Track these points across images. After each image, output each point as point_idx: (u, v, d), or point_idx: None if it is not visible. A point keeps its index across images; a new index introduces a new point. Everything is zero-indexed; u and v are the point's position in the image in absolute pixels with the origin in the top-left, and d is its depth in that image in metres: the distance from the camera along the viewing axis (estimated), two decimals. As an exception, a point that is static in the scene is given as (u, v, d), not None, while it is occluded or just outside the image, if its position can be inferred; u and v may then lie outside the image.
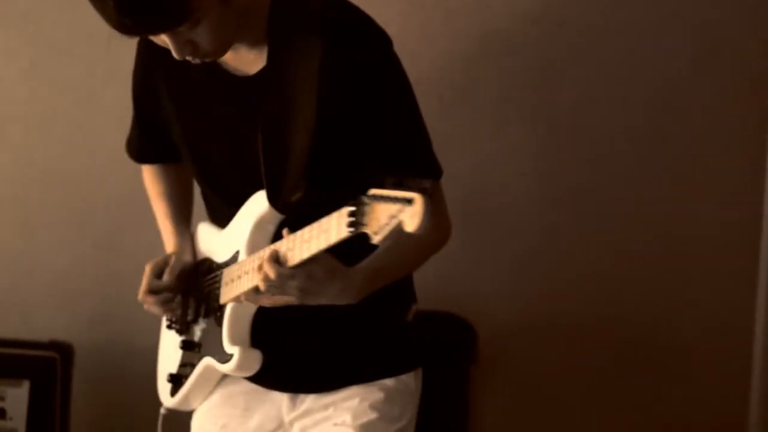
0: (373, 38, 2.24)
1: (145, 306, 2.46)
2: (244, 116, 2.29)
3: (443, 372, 3.46)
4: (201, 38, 2.15)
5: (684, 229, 3.48)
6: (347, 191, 2.22)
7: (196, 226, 2.57)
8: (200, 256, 2.51)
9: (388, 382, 2.40)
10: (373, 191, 1.87)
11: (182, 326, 2.50)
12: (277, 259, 2.14)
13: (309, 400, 2.40)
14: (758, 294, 3.49)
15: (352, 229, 1.92)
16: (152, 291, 2.44)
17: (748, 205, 3.48)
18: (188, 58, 2.17)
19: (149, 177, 2.66)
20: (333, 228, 2.00)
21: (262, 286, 2.16)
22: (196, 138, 2.40)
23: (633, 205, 3.47)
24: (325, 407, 2.38)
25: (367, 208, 1.88)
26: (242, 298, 2.27)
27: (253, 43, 2.26)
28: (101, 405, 3.52)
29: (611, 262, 3.48)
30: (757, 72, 3.41)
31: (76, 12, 3.31)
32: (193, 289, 2.48)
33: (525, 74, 3.43)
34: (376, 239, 1.87)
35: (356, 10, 2.26)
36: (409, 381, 2.43)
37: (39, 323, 3.47)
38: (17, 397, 3.31)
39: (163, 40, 2.15)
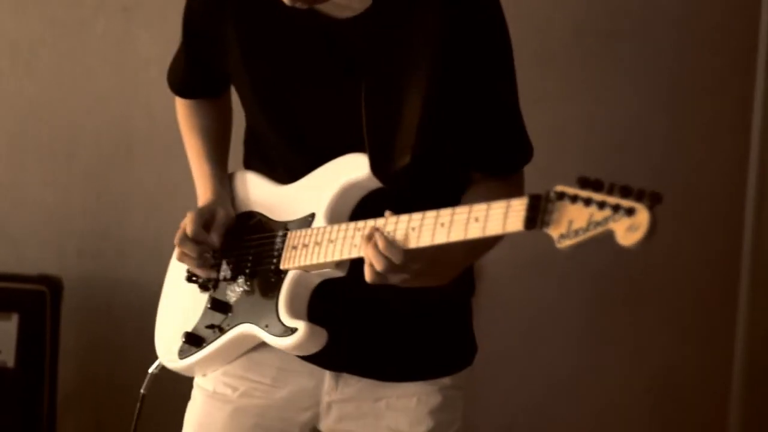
0: None
1: (178, 253, 2.18)
2: (341, 62, 2.07)
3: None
4: None
5: (680, 169, 3.50)
6: (453, 166, 2.10)
7: (234, 173, 2.34)
8: (243, 208, 2.25)
9: (447, 381, 2.20)
10: (563, 188, 1.67)
11: (210, 283, 2.22)
12: (393, 243, 1.90)
13: (358, 386, 2.17)
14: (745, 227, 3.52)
15: (530, 225, 1.70)
16: (195, 240, 2.16)
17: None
18: (298, 3, 1.98)
19: (185, 111, 2.38)
20: (495, 218, 1.77)
21: (379, 268, 1.90)
22: (271, 81, 2.15)
23: (634, 150, 3.49)
24: (376, 400, 2.17)
25: (552, 206, 1.68)
26: (314, 269, 2.06)
27: None
28: (90, 338, 3.52)
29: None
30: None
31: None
32: (235, 244, 2.21)
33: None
34: (564, 243, 1.67)
35: None
36: (465, 377, 2.24)
37: (28, 257, 3.47)
38: (6, 330, 3.30)
39: None
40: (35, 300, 3.31)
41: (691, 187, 3.48)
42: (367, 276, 1.93)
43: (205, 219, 2.18)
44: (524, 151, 2.14)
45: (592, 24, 3.44)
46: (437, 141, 2.07)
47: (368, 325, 2.15)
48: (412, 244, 1.89)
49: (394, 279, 1.93)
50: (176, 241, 2.17)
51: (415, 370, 2.18)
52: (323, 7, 2.03)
